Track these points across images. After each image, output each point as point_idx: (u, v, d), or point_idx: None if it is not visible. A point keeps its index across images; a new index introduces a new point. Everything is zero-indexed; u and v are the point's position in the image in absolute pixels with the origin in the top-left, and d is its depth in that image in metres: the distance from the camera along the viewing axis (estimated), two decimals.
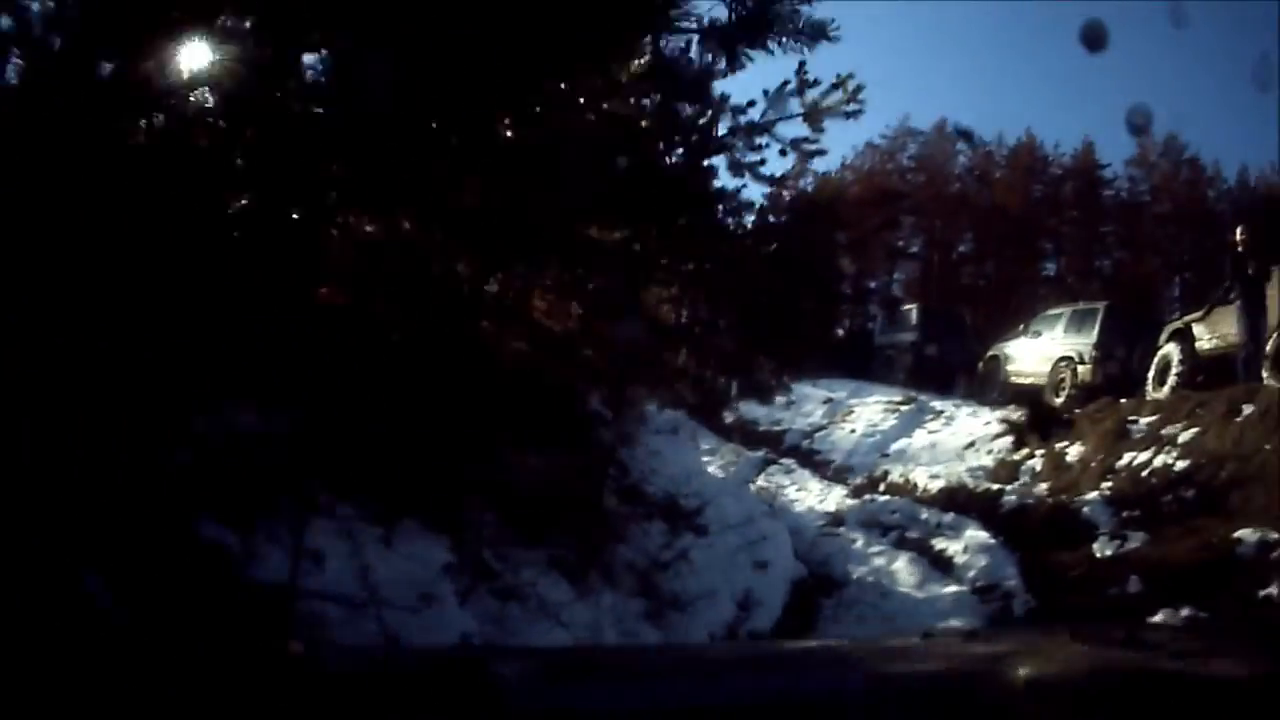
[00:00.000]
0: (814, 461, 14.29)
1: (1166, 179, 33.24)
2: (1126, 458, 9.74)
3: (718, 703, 1.31)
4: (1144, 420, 10.54)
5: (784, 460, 14.08)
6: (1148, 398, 12.14)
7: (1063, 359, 14.89)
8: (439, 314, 5.15)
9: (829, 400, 16.82)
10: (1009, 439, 12.53)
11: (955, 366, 18.84)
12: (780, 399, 18.09)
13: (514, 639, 4.66)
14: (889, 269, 34.81)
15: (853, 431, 15.30)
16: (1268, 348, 10.61)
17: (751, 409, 18.58)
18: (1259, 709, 1.26)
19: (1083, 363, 14.47)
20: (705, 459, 14.11)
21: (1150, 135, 32.18)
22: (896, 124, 35.19)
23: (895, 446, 14.30)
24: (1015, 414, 14.16)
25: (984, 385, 17.04)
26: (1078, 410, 12.43)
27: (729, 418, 18.32)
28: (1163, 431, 9.91)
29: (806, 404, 16.83)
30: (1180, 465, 9.11)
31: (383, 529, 4.58)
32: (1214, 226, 31.38)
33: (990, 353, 17.39)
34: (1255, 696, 1.27)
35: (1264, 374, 10.62)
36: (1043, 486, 10.24)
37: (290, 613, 3.41)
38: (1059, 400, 14.42)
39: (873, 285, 34.70)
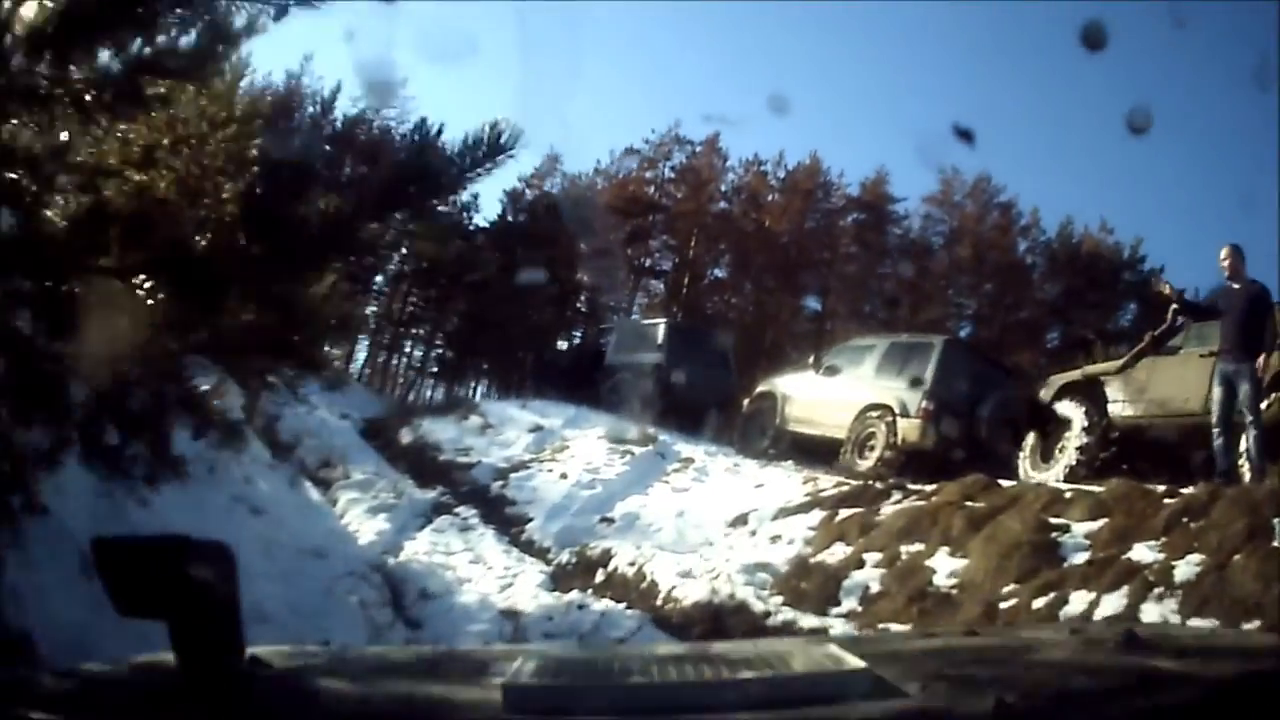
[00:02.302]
0: (504, 516, 10.29)
1: (971, 221, 30.23)
2: (1076, 601, 5.14)
3: (717, 700, 1.22)
4: (1078, 526, 6.06)
5: (462, 509, 10.34)
6: (1025, 478, 7.89)
7: (874, 407, 10.48)
8: None
9: (538, 428, 13.03)
10: (807, 519, 7.87)
11: (709, 401, 14.53)
12: (475, 421, 13.14)
13: None
14: (633, 285, 30.63)
15: (564, 477, 11.05)
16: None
17: (436, 428, 13.61)
18: (1258, 709, 1.17)
19: (905, 415, 10.10)
20: (348, 493, 10.40)
21: (953, 172, 29.57)
22: (665, 130, 31.20)
23: (624, 507, 10.17)
24: (799, 474, 9.69)
25: (748, 429, 12.77)
26: (909, 484, 7.96)
27: (406, 436, 13.34)
28: (1131, 555, 5.39)
29: (508, 429, 12.58)
30: None
31: None
32: (1018, 280, 28.94)
33: (761, 388, 12.97)
34: (1254, 697, 1.19)
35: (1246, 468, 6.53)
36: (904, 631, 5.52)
37: None
38: (864, 464, 10.07)
39: (611, 302, 30.72)
